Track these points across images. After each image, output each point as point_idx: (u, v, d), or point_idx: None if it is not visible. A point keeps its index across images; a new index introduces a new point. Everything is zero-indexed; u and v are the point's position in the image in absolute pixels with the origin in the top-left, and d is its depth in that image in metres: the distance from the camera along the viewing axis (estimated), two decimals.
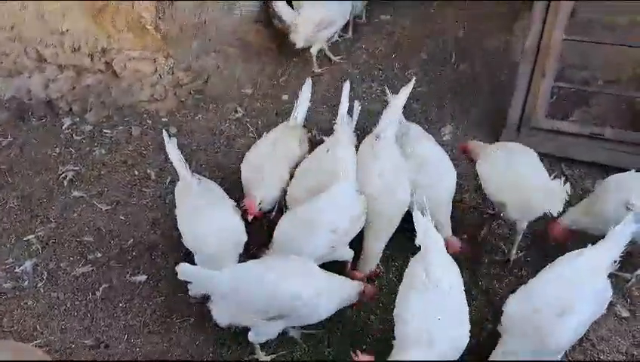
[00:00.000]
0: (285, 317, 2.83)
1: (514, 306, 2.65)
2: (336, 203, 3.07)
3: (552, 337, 2.51)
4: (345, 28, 5.26)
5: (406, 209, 3.21)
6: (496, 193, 3.25)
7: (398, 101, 3.40)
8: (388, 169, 3.23)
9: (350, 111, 3.56)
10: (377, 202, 3.16)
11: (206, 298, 2.92)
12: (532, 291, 2.66)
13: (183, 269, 2.70)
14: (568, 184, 3.04)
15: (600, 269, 2.67)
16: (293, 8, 4.97)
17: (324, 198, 3.09)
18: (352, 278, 3.12)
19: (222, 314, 2.84)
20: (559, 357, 2.71)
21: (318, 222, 3.04)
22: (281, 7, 4.86)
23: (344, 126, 3.35)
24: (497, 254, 3.47)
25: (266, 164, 3.51)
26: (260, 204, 3.40)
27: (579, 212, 3.22)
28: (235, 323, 2.87)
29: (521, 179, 3.15)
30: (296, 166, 3.56)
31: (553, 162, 3.93)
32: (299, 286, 2.77)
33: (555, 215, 3.14)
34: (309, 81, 3.88)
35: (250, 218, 3.34)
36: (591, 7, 4.17)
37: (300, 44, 4.88)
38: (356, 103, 3.61)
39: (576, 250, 2.76)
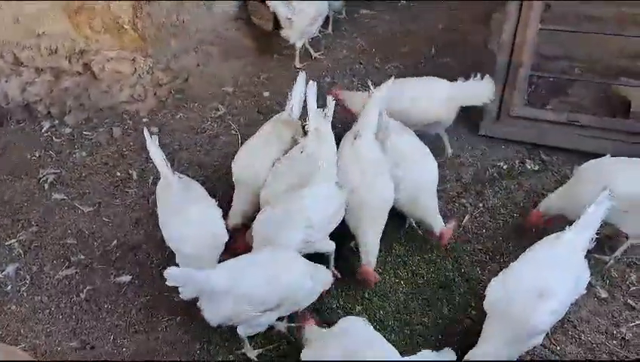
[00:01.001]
0: (280, 307, 2.84)
1: (495, 290, 2.69)
2: (313, 199, 3.08)
3: (533, 319, 2.55)
4: (324, 23, 5.28)
5: (391, 204, 3.23)
6: None
7: (375, 100, 3.41)
8: (369, 167, 3.24)
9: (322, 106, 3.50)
10: (361, 200, 3.16)
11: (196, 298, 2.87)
12: (512, 274, 2.70)
13: (172, 273, 2.58)
14: None
15: (577, 250, 2.73)
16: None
17: (302, 194, 3.10)
18: (364, 274, 3.15)
19: (215, 314, 2.80)
20: (541, 339, 2.75)
21: (294, 218, 3.04)
22: (275, 4, 4.87)
23: (319, 120, 3.31)
24: (479, 242, 3.51)
25: (258, 162, 3.47)
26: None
27: (556, 198, 3.28)
28: (228, 322, 2.85)
29: None
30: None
31: (532, 149, 4.00)
32: (299, 276, 2.83)
33: None
34: (302, 74, 3.80)
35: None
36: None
37: (293, 39, 4.91)
38: (329, 98, 3.52)
39: (554, 234, 2.81)
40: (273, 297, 2.78)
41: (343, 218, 3.23)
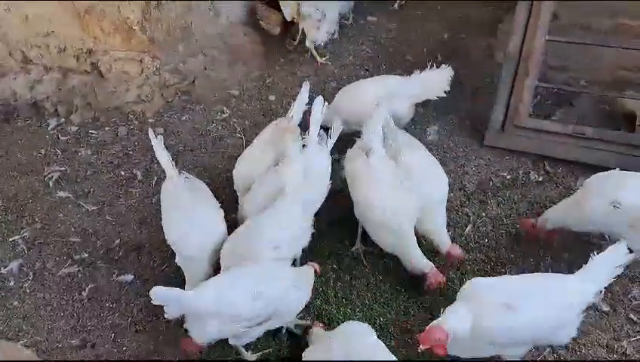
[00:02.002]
0: (270, 320, 2.84)
1: (471, 283, 2.75)
2: (279, 220, 3.06)
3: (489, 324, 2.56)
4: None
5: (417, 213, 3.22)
6: None
7: (380, 114, 3.41)
8: (395, 181, 3.24)
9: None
10: (392, 215, 3.12)
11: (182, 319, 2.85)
12: (499, 281, 2.76)
13: (157, 292, 2.55)
14: None
15: (575, 300, 2.65)
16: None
17: (266, 215, 3.10)
18: (431, 285, 3.13)
19: (203, 333, 2.76)
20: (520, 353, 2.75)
21: (259, 239, 3.01)
22: (308, 10, 4.97)
23: (294, 145, 3.37)
24: (481, 252, 3.51)
25: (257, 170, 3.48)
26: None
27: (560, 211, 3.27)
28: (216, 338, 2.84)
29: None
30: None
31: (536, 160, 4.00)
32: (284, 288, 2.81)
33: None
34: (306, 84, 3.85)
35: None
36: (572, 10, 4.25)
37: (321, 40, 5.06)
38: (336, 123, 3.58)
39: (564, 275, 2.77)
40: (261, 312, 2.76)
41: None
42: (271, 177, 3.34)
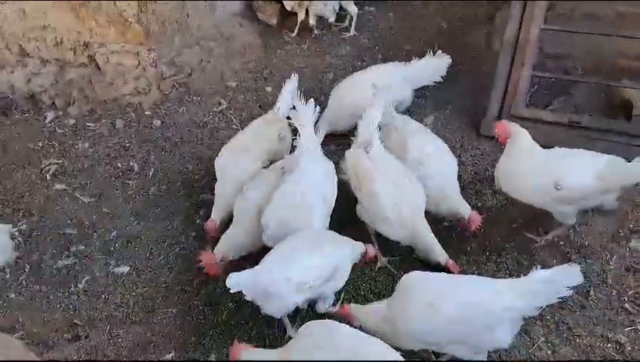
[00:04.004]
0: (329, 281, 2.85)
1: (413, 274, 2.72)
2: (313, 173, 3.16)
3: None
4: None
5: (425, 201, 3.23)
6: None
7: (377, 108, 3.38)
8: (402, 172, 3.25)
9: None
10: (408, 207, 3.14)
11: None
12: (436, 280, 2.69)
13: (236, 281, 2.55)
14: None
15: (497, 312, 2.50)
16: None
17: (298, 175, 3.14)
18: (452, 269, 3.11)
19: (277, 308, 2.78)
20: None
21: (308, 195, 3.08)
22: None
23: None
24: (476, 241, 3.50)
25: (242, 158, 3.51)
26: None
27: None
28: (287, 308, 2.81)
29: None
30: (272, 161, 3.56)
31: None
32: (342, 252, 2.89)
33: None
34: (294, 77, 3.88)
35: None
36: None
37: (331, 17, 5.20)
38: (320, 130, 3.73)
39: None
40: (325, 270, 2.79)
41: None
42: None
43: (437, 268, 3.12)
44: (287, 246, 2.85)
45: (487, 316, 2.50)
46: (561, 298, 2.52)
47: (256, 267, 2.71)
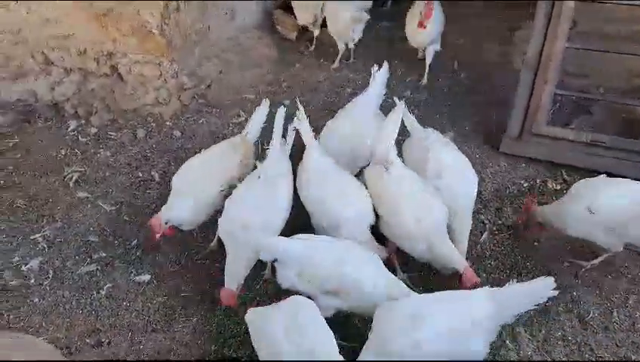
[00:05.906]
0: (340, 296, 2.85)
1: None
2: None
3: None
4: None
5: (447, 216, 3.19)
6: None
7: (391, 126, 3.38)
8: (423, 190, 3.21)
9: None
10: (432, 225, 3.10)
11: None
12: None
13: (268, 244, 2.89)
14: None
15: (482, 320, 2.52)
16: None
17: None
18: (467, 282, 3.00)
19: (285, 278, 2.93)
20: None
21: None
22: (358, 14, 5.12)
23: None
24: (496, 259, 3.51)
25: (197, 180, 3.49)
26: (166, 223, 3.39)
27: (549, 209, 3.31)
28: (294, 289, 2.89)
29: None
30: (231, 185, 3.49)
31: (554, 168, 4.00)
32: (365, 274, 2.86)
33: None
34: (265, 102, 3.94)
35: (157, 236, 3.39)
36: (591, 16, 4.24)
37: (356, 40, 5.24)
38: (290, 127, 3.69)
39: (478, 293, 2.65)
40: (333, 280, 2.82)
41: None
42: (256, 188, 3.35)
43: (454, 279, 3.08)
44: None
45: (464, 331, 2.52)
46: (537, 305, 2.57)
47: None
